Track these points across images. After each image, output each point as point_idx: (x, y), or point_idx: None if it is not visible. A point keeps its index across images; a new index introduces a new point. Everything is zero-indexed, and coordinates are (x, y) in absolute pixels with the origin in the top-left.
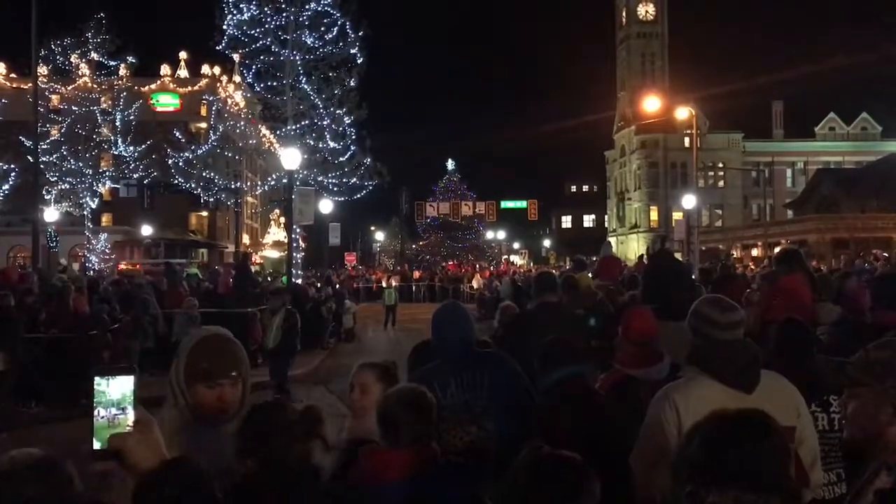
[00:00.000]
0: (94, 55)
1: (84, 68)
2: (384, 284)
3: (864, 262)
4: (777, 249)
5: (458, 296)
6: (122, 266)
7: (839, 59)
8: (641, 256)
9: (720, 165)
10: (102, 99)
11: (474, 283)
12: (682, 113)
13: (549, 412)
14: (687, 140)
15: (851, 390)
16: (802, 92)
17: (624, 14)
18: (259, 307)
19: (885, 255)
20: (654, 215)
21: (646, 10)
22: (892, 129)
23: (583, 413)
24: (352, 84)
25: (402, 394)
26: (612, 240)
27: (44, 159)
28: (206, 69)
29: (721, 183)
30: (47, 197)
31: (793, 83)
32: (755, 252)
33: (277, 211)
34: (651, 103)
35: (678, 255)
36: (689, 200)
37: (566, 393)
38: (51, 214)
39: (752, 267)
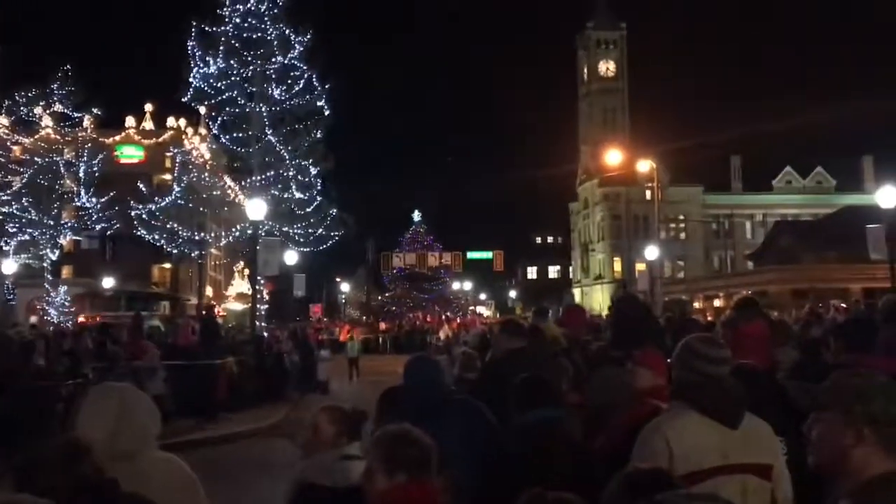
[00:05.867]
0: (59, 106)
1: (47, 119)
2: (346, 337)
3: (826, 311)
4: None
5: (425, 347)
6: (82, 319)
7: (795, 117)
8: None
9: (681, 218)
10: (66, 150)
11: (441, 335)
12: (644, 166)
13: (539, 457)
14: (648, 193)
15: (818, 414)
16: (760, 147)
17: (585, 70)
18: (224, 359)
19: (843, 304)
20: (617, 266)
21: (606, 67)
22: (846, 183)
23: (572, 459)
24: (318, 135)
25: (392, 431)
26: (577, 290)
27: (4, 210)
28: (171, 121)
29: (683, 235)
30: (6, 248)
31: (750, 138)
32: (717, 303)
33: (242, 263)
34: (613, 156)
35: None
36: (651, 252)
37: (551, 438)
38: (9, 266)
39: (710, 317)
